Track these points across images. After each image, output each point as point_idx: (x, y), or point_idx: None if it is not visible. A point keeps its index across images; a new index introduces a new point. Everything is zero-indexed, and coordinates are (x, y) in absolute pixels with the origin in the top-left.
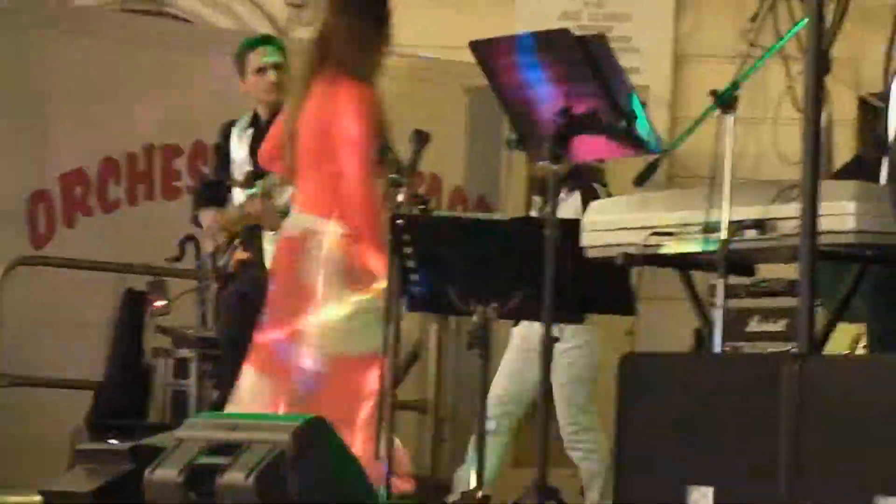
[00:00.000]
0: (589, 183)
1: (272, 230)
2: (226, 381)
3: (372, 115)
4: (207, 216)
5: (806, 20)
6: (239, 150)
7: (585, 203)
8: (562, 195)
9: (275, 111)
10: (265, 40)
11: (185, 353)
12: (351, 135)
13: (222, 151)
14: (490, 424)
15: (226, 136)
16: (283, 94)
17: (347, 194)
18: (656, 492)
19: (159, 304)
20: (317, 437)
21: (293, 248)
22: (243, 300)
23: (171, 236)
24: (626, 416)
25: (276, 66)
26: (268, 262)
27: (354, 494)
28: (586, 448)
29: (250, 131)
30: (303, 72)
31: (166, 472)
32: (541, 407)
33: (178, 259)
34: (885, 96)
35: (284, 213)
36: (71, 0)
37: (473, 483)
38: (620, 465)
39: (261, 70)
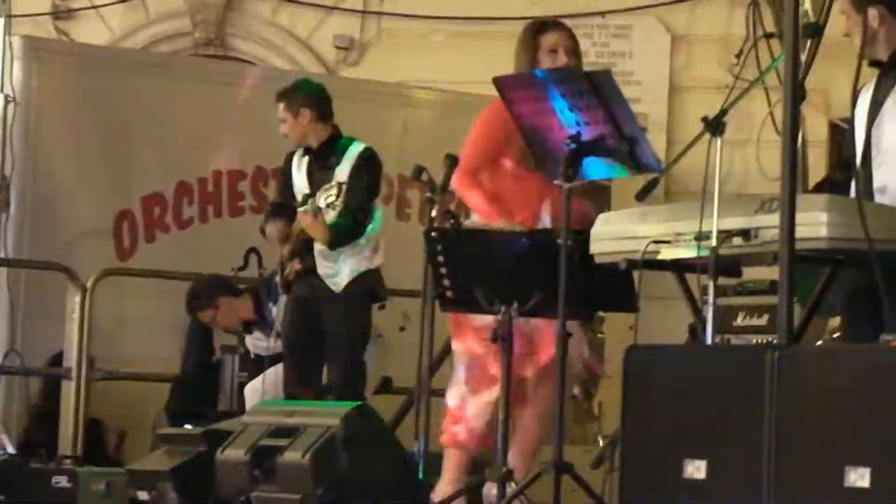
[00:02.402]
0: None
1: (321, 242)
2: (288, 375)
3: None
4: (273, 227)
5: (783, 56)
6: (298, 174)
7: None
8: None
9: (321, 141)
10: (277, 97)
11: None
12: None
13: (286, 176)
14: None
15: (289, 162)
16: (295, 139)
17: None
18: (657, 464)
19: None
20: (364, 422)
21: None
22: (301, 304)
23: (237, 249)
24: (631, 400)
25: (283, 120)
26: (320, 270)
27: (397, 471)
28: None
29: (306, 158)
30: None
31: (234, 453)
32: (556, 391)
33: (242, 268)
34: (850, 121)
35: (331, 226)
36: (152, 47)
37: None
38: (626, 441)
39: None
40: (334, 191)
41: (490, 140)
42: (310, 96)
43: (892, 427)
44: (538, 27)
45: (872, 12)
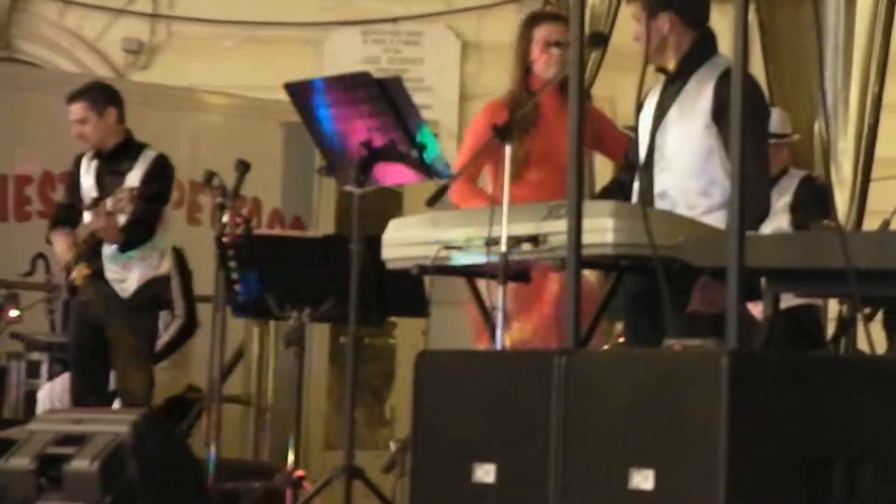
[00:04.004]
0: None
1: (113, 244)
2: (75, 381)
3: None
4: (58, 240)
5: (570, 64)
6: (87, 177)
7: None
8: None
9: (113, 145)
10: (75, 97)
11: (36, 356)
12: None
13: (74, 179)
14: None
15: (77, 165)
16: (96, 139)
17: None
18: (447, 469)
19: (13, 313)
20: (153, 429)
21: None
22: (87, 309)
23: (23, 254)
24: (422, 404)
25: (83, 121)
26: (108, 275)
27: (187, 478)
28: None
29: (95, 162)
30: None
31: (19, 461)
32: (349, 395)
33: (29, 274)
34: (635, 128)
35: (123, 229)
36: None
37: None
38: (416, 446)
39: None
40: (125, 195)
41: (476, 146)
42: (113, 96)
43: (675, 430)
44: (533, 19)
45: (663, 18)
